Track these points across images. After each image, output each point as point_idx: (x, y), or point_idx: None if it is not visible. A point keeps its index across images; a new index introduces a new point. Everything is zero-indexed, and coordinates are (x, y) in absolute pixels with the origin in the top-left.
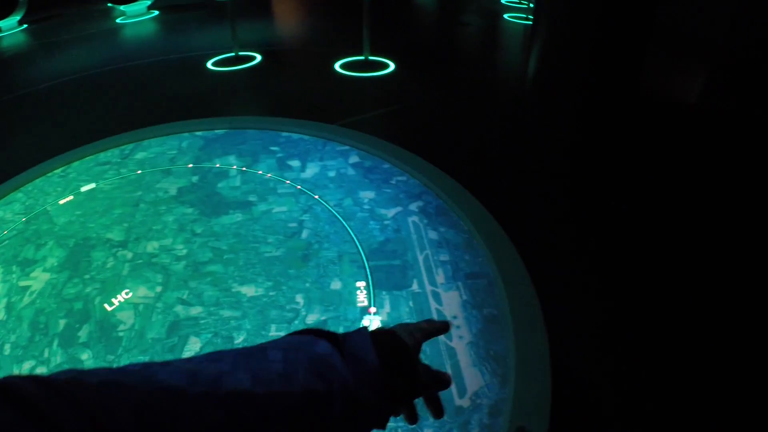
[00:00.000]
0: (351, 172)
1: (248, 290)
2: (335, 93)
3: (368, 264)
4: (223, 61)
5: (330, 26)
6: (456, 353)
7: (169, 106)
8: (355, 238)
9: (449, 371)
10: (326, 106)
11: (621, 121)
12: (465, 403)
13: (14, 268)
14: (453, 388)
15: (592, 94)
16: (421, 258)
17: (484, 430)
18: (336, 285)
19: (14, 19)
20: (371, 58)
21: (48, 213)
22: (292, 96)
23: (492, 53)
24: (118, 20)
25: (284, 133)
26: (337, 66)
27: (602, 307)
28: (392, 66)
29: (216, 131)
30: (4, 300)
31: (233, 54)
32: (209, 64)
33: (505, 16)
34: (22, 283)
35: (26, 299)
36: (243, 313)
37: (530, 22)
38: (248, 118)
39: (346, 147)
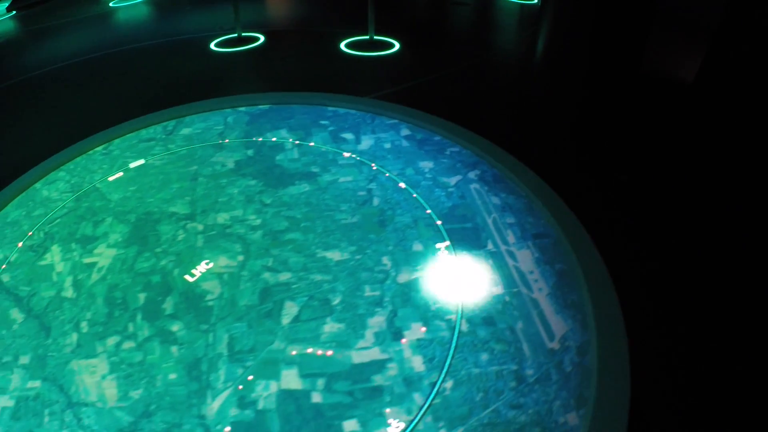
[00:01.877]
0: (405, 143)
1: (334, 255)
2: (344, 72)
3: (443, 227)
4: (226, 42)
5: (332, 5)
6: (539, 303)
7: (182, 88)
8: (425, 204)
9: (537, 319)
10: (337, 86)
11: (623, 97)
12: (555, 345)
13: (73, 245)
14: (543, 333)
15: (596, 70)
16: (489, 221)
17: (576, 368)
18: (418, 247)
19: (2, 5)
20: (376, 37)
21: (98, 190)
22: (300, 75)
23: (495, 33)
24: (111, 4)
25: (330, 108)
26: (342, 45)
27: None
28: (397, 45)
29: (260, 107)
30: (69, 278)
31: (236, 35)
32: (212, 46)
33: None
34: (87, 260)
35: (95, 276)
36: (334, 276)
37: (527, 2)
38: (291, 93)
39: (395, 120)
